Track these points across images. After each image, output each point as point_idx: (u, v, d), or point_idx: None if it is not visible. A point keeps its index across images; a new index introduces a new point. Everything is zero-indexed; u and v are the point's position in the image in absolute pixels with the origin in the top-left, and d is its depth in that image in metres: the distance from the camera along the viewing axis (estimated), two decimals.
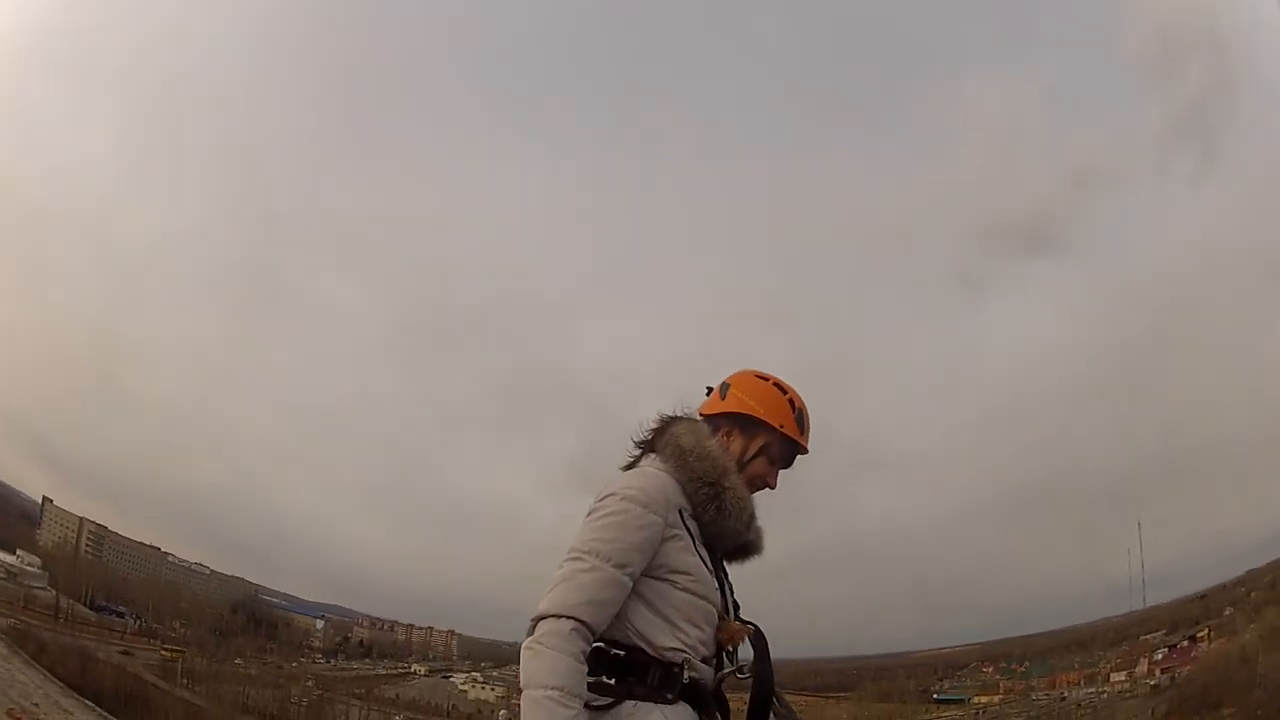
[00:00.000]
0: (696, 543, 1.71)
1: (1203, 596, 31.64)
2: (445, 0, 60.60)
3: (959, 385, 51.14)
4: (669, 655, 1.63)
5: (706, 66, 55.68)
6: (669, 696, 1.61)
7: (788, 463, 1.89)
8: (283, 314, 52.88)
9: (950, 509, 48.94)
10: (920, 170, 54.49)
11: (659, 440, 1.80)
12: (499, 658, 37.07)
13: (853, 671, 36.30)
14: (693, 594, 1.67)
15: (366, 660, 37.92)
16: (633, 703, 1.60)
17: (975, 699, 33.52)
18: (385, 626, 39.46)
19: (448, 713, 35.00)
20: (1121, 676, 31.08)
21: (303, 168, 55.24)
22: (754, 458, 1.83)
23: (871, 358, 55.42)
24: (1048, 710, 31.41)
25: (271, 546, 49.12)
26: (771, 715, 1.70)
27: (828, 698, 34.42)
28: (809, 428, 1.89)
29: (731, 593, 1.82)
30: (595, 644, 1.59)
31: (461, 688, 36.52)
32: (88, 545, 33.35)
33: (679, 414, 1.86)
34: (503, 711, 30.91)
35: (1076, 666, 32.41)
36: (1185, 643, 30.52)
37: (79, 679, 28.15)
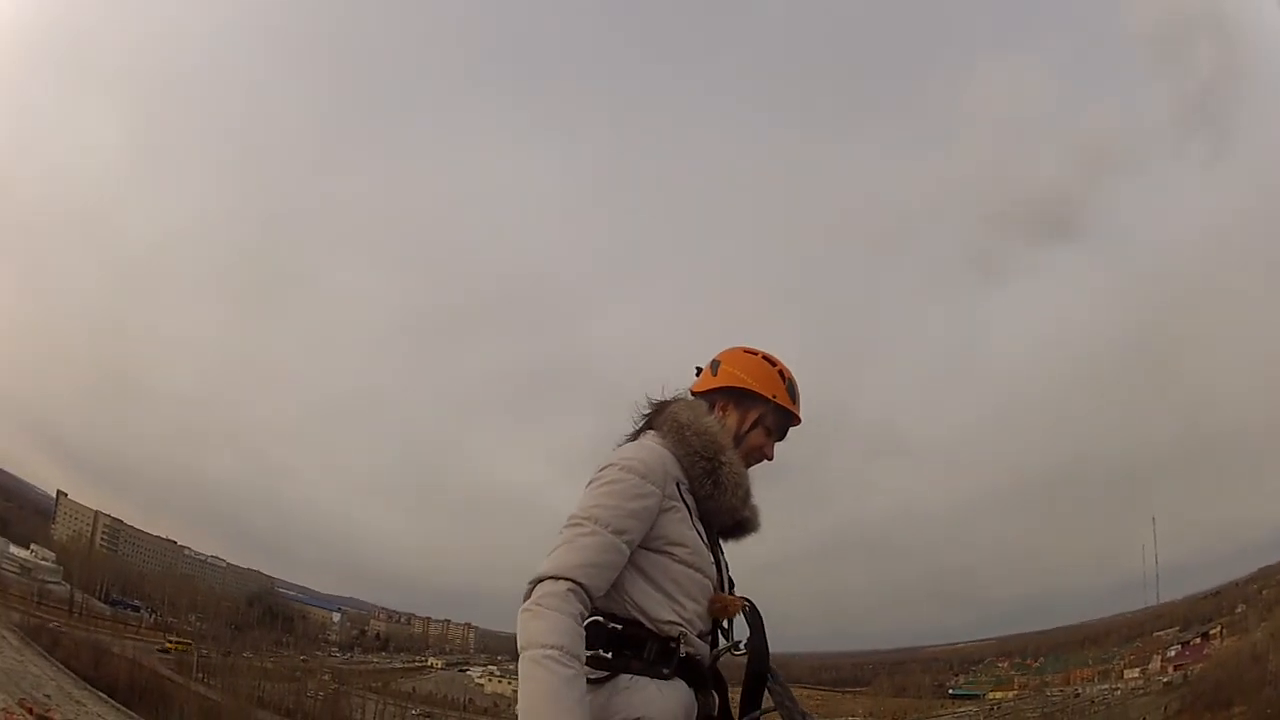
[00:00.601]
0: (693, 517, 1.72)
1: (1216, 593, 32.01)
2: None
3: (974, 371, 51.42)
4: (666, 629, 1.64)
5: (720, 53, 55.27)
6: (665, 671, 1.62)
7: (782, 434, 1.92)
8: (296, 306, 52.72)
9: (965, 496, 49.25)
10: (934, 156, 54.42)
11: (657, 418, 1.82)
12: (516, 652, 37.03)
13: (868, 666, 36.56)
14: (690, 566, 1.69)
15: (383, 653, 37.92)
16: (629, 676, 1.60)
17: (990, 694, 33.86)
18: (402, 619, 39.42)
19: (464, 706, 35.11)
20: (1135, 673, 31.47)
21: (313, 159, 54.88)
22: (751, 429, 1.86)
23: (886, 344, 55.62)
24: (1062, 706, 31.79)
25: (287, 538, 49.27)
26: (767, 691, 1.70)
27: (844, 692, 34.73)
28: (800, 397, 1.93)
29: (727, 569, 1.82)
30: (593, 617, 1.58)
31: (478, 681, 36.59)
32: (103, 539, 33.09)
33: (669, 398, 1.87)
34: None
35: (1090, 662, 32.77)
36: (1198, 640, 30.90)
37: (93, 672, 28.08)
